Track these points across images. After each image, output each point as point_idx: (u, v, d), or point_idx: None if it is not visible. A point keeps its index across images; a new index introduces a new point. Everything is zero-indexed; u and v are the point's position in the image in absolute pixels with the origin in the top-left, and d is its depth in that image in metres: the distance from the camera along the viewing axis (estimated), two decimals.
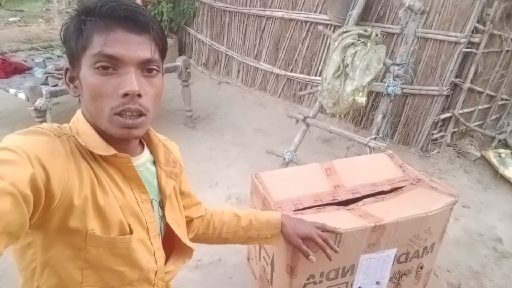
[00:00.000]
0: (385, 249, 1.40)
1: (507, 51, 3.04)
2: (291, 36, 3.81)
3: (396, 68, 2.54)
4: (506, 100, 3.44)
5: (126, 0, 0.69)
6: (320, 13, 3.50)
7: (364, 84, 2.40)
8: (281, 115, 3.67)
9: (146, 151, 0.85)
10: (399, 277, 1.51)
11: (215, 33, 4.61)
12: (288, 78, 3.95)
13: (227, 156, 3.03)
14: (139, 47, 0.68)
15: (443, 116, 3.09)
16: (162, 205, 0.86)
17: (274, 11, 3.85)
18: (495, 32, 2.85)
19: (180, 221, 0.92)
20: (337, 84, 2.50)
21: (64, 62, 3.07)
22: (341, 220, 1.33)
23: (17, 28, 7.22)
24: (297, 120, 2.80)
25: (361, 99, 2.43)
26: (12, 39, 6.30)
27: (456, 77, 2.95)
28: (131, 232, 0.74)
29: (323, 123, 2.86)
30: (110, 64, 0.67)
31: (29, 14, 8.24)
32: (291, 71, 3.90)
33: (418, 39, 2.85)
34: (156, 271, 0.82)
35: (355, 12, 2.89)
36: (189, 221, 1.04)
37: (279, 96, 4.09)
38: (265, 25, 4.01)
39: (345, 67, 2.47)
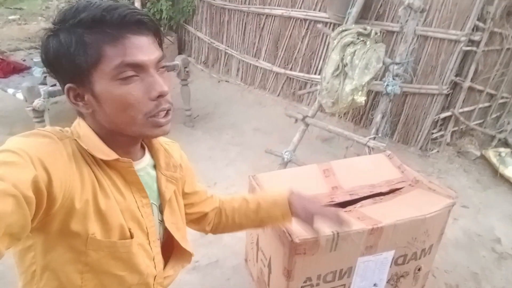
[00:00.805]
0: (383, 251, 1.39)
1: (508, 49, 3.02)
2: (291, 34, 3.79)
3: (396, 67, 2.53)
4: (507, 98, 3.41)
5: (120, 3, 0.68)
6: (319, 11, 3.48)
7: (363, 83, 2.39)
8: (280, 114, 3.65)
9: (147, 155, 0.85)
10: (397, 279, 1.50)
11: (215, 31, 4.59)
12: (287, 77, 3.93)
13: (226, 156, 3.02)
14: (151, 48, 0.69)
15: (443, 115, 3.07)
16: (161, 210, 0.86)
17: (274, 8, 3.83)
18: (495, 30, 2.82)
19: (180, 225, 0.92)
20: (336, 83, 2.48)
21: None
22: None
23: (17, 27, 7.21)
24: (296, 120, 2.79)
25: (361, 99, 2.42)
26: (11, 37, 6.29)
27: (456, 75, 2.93)
28: (132, 237, 0.74)
29: (322, 123, 2.84)
30: (134, 72, 0.67)
31: (28, 12, 8.22)
32: (291, 69, 3.88)
33: (418, 37, 2.83)
34: (155, 276, 0.83)
35: (354, 10, 2.87)
36: (203, 215, 1.05)
37: (278, 95, 4.07)
38: (264, 23, 3.99)
39: (344, 66, 2.46)
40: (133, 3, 4.57)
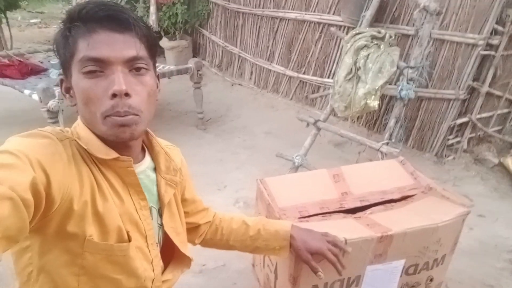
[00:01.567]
0: (393, 260, 1.35)
1: None
2: (304, 38, 3.77)
3: (410, 71, 2.47)
4: None
5: (107, 1, 0.68)
6: (333, 14, 3.45)
7: (376, 87, 2.35)
8: (292, 118, 3.62)
9: (147, 158, 0.84)
10: None
11: (229, 34, 4.61)
12: (300, 81, 3.91)
13: (236, 159, 3.01)
14: (123, 46, 0.67)
15: (459, 121, 2.99)
16: (161, 213, 0.85)
17: (287, 12, 3.82)
18: None
19: (180, 230, 0.91)
20: (348, 87, 2.45)
21: None
22: (347, 229, 1.29)
23: (37, 30, 7.42)
24: (308, 124, 2.76)
25: (374, 103, 2.38)
26: (32, 40, 6.47)
27: (474, 80, 2.86)
28: (129, 240, 0.73)
29: (334, 127, 2.81)
30: (97, 67, 0.66)
31: (49, 15, 8.45)
32: (304, 73, 3.86)
33: (433, 41, 2.77)
34: (153, 280, 0.81)
35: (368, 13, 2.83)
36: (196, 227, 1.03)
37: (291, 99, 4.05)
38: (278, 27, 3.99)
39: (357, 69, 2.42)
40: (148, 7, 4.64)
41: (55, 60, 3.27)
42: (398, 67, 2.43)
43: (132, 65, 0.69)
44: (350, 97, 2.45)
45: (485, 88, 2.85)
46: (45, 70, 3.24)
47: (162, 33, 4.88)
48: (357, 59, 2.44)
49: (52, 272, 0.68)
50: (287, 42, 3.94)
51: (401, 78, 2.61)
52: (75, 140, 0.71)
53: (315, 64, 3.74)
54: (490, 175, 2.90)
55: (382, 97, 3.12)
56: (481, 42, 2.67)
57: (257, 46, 4.29)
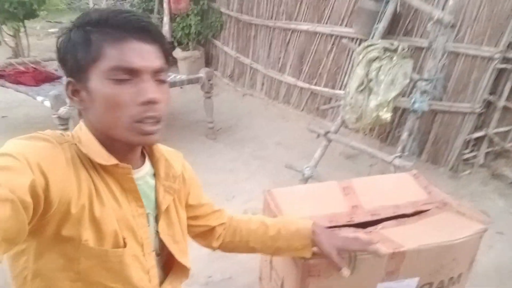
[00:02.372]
0: (405, 277, 1.29)
1: None
2: (316, 50, 3.76)
3: (424, 83, 2.43)
4: None
5: (136, 11, 0.70)
6: (345, 26, 3.44)
7: (388, 99, 2.30)
8: (303, 129, 3.59)
9: (147, 163, 0.84)
10: None
11: (241, 46, 4.64)
12: (312, 92, 3.89)
13: (246, 169, 2.99)
14: (152, 57, 0.70)
15: (475, 135, 2.91)
16: (158, 220, 0.84)
17: (300, 24, 3.83)
18: None
19: (178, 238, 0.88)
20: (360, 99, 2.41)
21: None
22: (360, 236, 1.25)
23: (55, 39, 7.61)
24: (318, 135, 2.72)
25: (386, 115, 2.34)
26: (50, 49, 6.64)
27: (490, 94, 2.79)
28: (125, 246, 0.72)
29: (345, 139, 2.76)
30: (127, 75, 0.68)
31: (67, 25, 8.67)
32: (315, 84, 3.84)
33: (448, 53, 2.72)
34: None
35: (381, 26, 2.80)
36: (210, 230, 1.01)
37: (302, 110, 4.03)
38: (290, 38, 3.99)
39: (369, 81, 2.39)
40: (162, 18, 4.71)
41: None
42: (411, 79, 2.39)
43: (158, 75, 0.72)
44: (361, 108, 2.42)
45: (502, 102, 2.78)
46: (59, 77, 3.29)
47: (176, 44, 4.94)
48: (369, 70, 2.41)
49: (48, 276, 0.68)
50: (298, 54, 3.94)
51: (414, 90, 2.57)
52: (75, 144, 0.71)
53: (327, 75, 3.72)
54: (508, 191, 2.80)
55: (395, 110, 3.07)
56: (497, 56, 2.61)
57: (268, 57, 4.30)
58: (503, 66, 2.67)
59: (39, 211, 0.59)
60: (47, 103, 2.47)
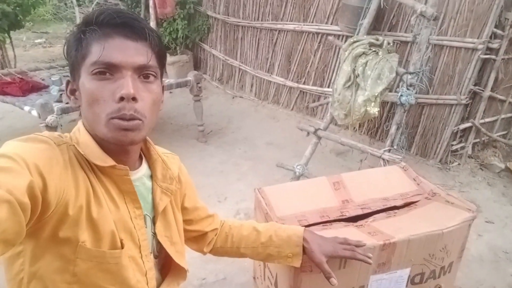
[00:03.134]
0: (397, 269, 1.30)
1: None
2: (303, 48, 3.78)
3: (410, 77, 2.45)
4: None
5: (124, 9, 0.70)
6: (331, 24, 3.46)
7: (376, 94, 2.32)
8: (293, 128, 3.60)
9: (144, 165, 0.84)
10: None
11: (229, 48, 4.64)
12: (300, 91, 3.90)
13: (238, 170, 2.98)
14: (135, 53, 0.69)
15: (462, 126, 2.95)
16: (154, 222, 0.83)
17: (286, 24, 3.84)
18: None
19: (175, 239, 0.88)
20: (348, 95, 2.43)
21: None
22: (348, 237, 1.25)
23: (42, 49, 7.53)
24: (308, 133, 2.74)
25: (373, 110, 2.35)
26: (36, 59, 6.57)
27: (475, 85, 2.83)
28: (122, 247, 0.72)
29: (334, 135, 2.78)
30: (107, 70, 0.68)
31: (53, 35, 8.58)
32: (304, 83, 3.85)
33: (432, 46, 2.76)
34: None
35: (366, 21, 2.83)
36: (202, 235, 1.01)
37: (292, 109, 4.04)
38: (277, 38, 4.00)
39: (356, 77, 2.41)
40: (148, 23, 4.69)
41: (56, 77, 3.29)
42: (397, 73, 2.41)
43: (141, 72, 0.71)
44: (349, 104, 2.43)
45: (487, 93, 2.82)
46: (46, 87, 3.25)
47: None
48: (355, 66, 2.43)
49: (44, 278, 0.67)
50: (286, 54, 3.95)
51: (401, 84, 2.59)
52: (73, 145, 0.71)
53: (315, 74, 3.74)
54: (497, 180, 2.84)
55: (383, 104, 3.09)
56: (480, 46, 2.65)
57: (257, 59, 4.31)
58: (487, 56, 2.71)
59: (37, 213, 0.58)
60: (34, 112, 2.45)
